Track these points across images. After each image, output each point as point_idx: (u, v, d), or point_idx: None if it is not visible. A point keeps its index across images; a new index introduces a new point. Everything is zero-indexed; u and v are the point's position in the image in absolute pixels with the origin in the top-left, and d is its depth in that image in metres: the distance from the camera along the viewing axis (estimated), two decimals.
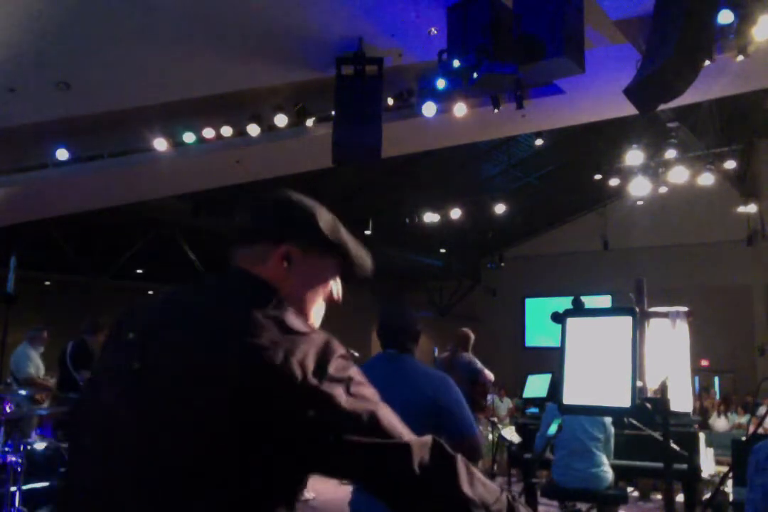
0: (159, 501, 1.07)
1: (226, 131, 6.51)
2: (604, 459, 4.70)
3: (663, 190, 13.33)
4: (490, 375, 6.52)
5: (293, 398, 1.07)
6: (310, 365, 1.09)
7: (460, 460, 1.15)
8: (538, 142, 11.62)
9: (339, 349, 1.15)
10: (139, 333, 1.21)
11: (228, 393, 1.06)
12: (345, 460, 1.11)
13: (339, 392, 1.10)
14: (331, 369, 1.11)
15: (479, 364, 6.51)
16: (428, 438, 1.15)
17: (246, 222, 1.35)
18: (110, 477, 1.12)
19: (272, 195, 1.38)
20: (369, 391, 1.16)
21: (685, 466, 4.79)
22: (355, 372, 1.15)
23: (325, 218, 1.34)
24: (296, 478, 1.13)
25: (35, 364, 6.96)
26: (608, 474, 4.68)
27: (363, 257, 1.37)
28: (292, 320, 1.17)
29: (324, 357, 1.12)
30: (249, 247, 1.30)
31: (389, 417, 1.14)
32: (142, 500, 1.08)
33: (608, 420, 4.73)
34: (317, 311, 1.34)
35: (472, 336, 6.68)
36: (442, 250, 18.14)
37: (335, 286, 1.36)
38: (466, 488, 1.12)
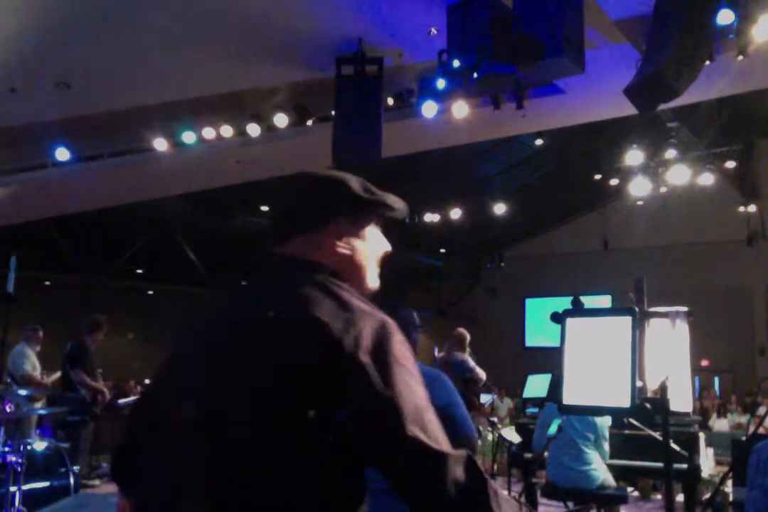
0: (229, 488, 1.07)
1: (226, 131, 6.51)
2: (595, 458, 4.69)
3: (663, 190, 13.33)
4: (481, 373, 6.56)
5: (345, 374, 1.06)
6: (365, 343, 1.08)
7: (489, 480, 1.12)
8: (538, 142, 11.62)
9: (397, 333, 1.14)
10: (203, 333, 1.23)
11: (287, 367, 1.07)
12: (382, 449, 1.08)
13: (391, 376, 1.08)
14: (388, 351, 1.10)
15: (471, 363, 6.54)
16: (463, 453, 1.12)
17: (285, 216, 1.33)
18: (183, 463, 1.11)
19: (294, 182, 1.36)
20: (420, 388, 1.14)
21: (685, 466, 4.78)
22: (412, 363, 1.14)
23: (354, 182, 1.32)
24: (350, 462, 1.11)
25: (32, 363, 6.97)
26: (598, 473, 4.66)
27: (398, 202, 1.35)
28: (348, 297, 1.16)
29: (381, 337, 1.11)
30: (294, 238, 1.28)
31: (435, 422, 1.12)
32: (213, 484, 1.08)
33: (600, 419, 4.72)
34: (375, 272, 1.34)
35: (467, 336, 6.71)
36: (442, 250, 18.13)
37: (382, 239, 1.37)
38: (495, 509, 1.09)
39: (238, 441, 1.08)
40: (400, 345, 1.13)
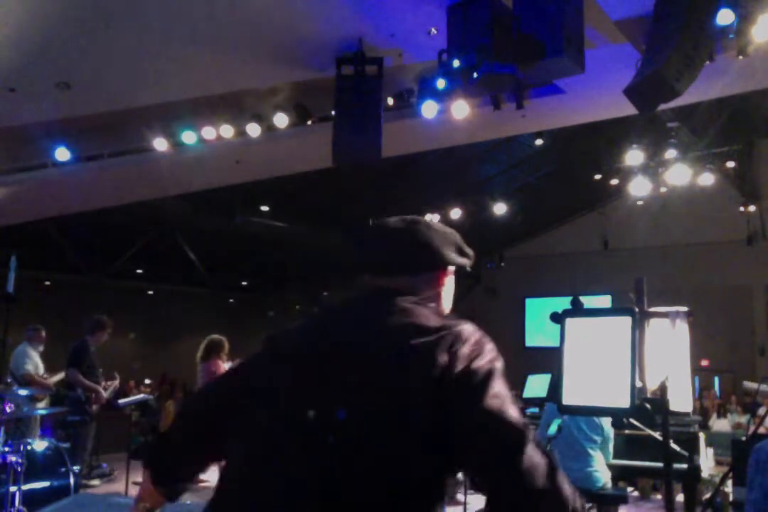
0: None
1: (226, 131, 6.51)
2: (600, 460, 4.69)
3: (663, 190, 13.32)
4: None
5: (456, 378, 1.26)
6: (470, 350, 1.31)
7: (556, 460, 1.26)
8: (538, 142, 11.61)
9: (487, 340, 1.37)
10: (311, 352, 1.39)
11: (421, 381, 1.26)
12: (480, 433, 1.24)
13: (490, 378, 1.29)
14: (488, 357, 1.32)
15: None
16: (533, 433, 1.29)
17: (399, 256, 1.54)
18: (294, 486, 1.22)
19: (413, 229, 1.56)
20: (507, 388, 1.32)
21: (685, 466, 4.78)
22: (501, 364, 1.34)
23: (458, 235, 1.61)
24: (447, 450, 1.25)
25: (34, 362, 6.97)
26: (602, 474, 4.66)
27: (473, 255, 1.66)
28: (447, 317, 1.41)
29: (481, 344, 1.34)
30: (397, 277, 1.51)
31: (518, 411, 1.30)
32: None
33: (607, 422, 4.72)
34: (450, 303, 1.61)
35: None
36: None
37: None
38: (564, 485, 1.21)
39: (374, 450, 1.22)
40: (493, 353, 1.35)
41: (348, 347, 1.35)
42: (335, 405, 1.25)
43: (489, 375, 1.29)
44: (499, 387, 1.29)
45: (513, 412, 1.27)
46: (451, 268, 1.57)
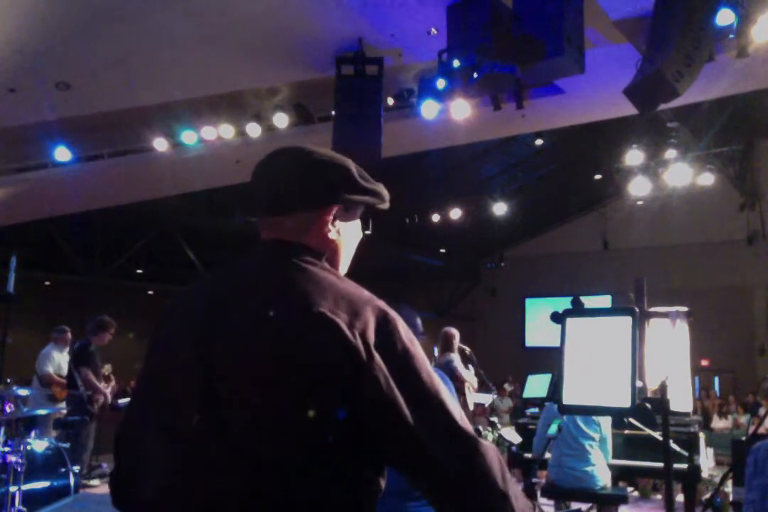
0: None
1: (226, 131, 6.51)
2: (599, 459, 4.69)
3: (663, 190, 13.33)
4: (464, 375, 6.60)
5: (357, 369, 1.06)
6: (372, 334, 1.09)
7: (497, 453, 1.14)
8: (538, 142, 11.62)
9: (398, 318, 1.15)
10: (201, 318, 1.18)
11: (302, 365, 1.06)
12: (406, 433, 1.09)
13: (408, 367, 1.10)
14: (397, 341, 1.11)
15: (455, 363, 6.58)
16: (489, 442, 1.15)
17: (279, 190, 1.27)
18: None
19: (295, 158, 1.28)
20: (432, 372, 1.15)
21: (685, 466, 4.78)
22: (418, 346, 1.15)
23: (354, 167, 1.30)
24: (373, 449, 1.10)
25: (55, 364, 7.07)
26: (602, 474, 4.66)
27: (386, 193, 1.35)
28: (345, 284, 1.17)
29: (387, 326, 1.12)
30: (284, 216, 1.25)
31: (456, 404, 1.14)
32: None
33: (604, 419, 4.72)
34: (349, 259, 1.34)
35: (455, 334, 6.72)
36: (442, 250, 18.12)
37: (359, 228, 1.36)
38: (500, 481, 1.11)
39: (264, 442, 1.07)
40: (405, 332, 1.14)
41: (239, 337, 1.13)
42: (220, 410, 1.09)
43: (415, 384, 1.10)
44: (433, 391, 1.11)
45: (458, 421, 1.11)
46: (339, 210, 1.26)
